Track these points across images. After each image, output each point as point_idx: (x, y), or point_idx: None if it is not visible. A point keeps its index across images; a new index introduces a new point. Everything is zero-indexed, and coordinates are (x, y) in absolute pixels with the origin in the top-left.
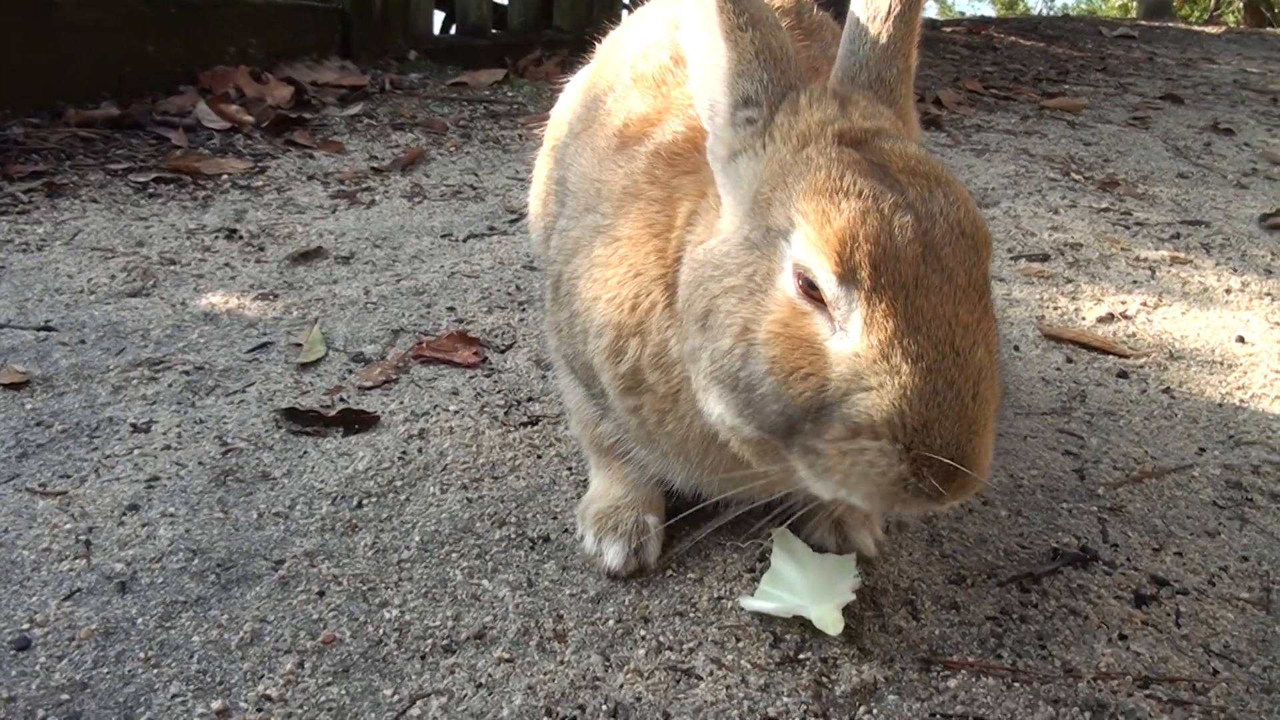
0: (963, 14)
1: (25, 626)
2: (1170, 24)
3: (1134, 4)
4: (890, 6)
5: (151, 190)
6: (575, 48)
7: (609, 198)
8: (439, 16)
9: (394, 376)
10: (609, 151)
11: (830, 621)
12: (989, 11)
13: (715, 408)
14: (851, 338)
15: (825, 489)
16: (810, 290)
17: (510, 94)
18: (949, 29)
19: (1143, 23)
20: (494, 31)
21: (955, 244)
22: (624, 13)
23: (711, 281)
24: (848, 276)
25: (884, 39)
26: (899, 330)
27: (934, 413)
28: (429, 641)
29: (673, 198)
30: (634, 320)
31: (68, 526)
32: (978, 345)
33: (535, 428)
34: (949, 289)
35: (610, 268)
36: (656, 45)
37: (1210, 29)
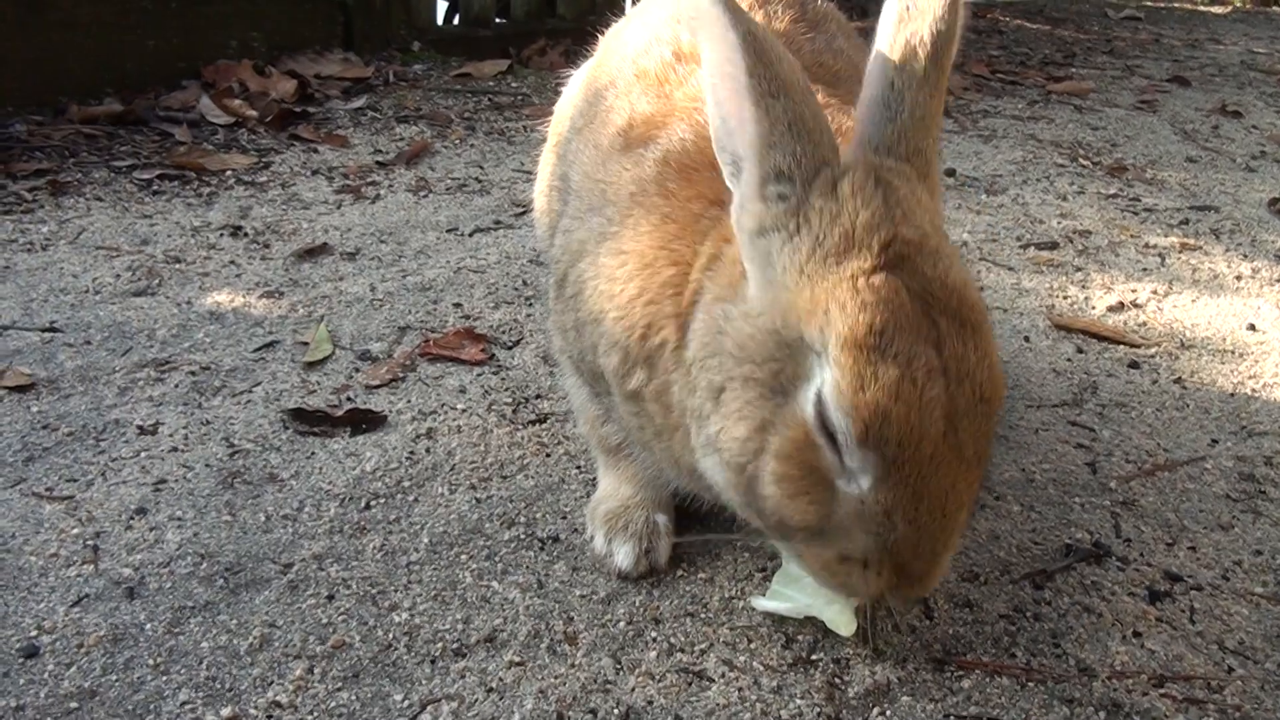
0: None
1: (33, 633)
2: (1176, 4)
3: None
4: (925, 73)
5: (156, 187)
6: (579, 37)
7: (615, 201)
8: (441, 6)
9: (401, 375)
10: (613, 151)
11: (842, 622)
12: None
13: (714, 475)
14: (861, 486)
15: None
16: (827, 427)
17: (515, 85)
18: None
19: (1149, 4)
20: (498, 21)
21: (973, 414)
22: (627, 2)
23: (731, 360)
24: (869, 445)
25: (920, 107)
26: (904, 498)
27: (913, 558)
28: (439, 645)
29: (693, 227)
30: (643, 352)
31: (75, 531)
32: (963, 508)
33: (543, 425)
34: (957, 464)
35: (618, 283)
36: (659, 40)
37: (1216, 9)
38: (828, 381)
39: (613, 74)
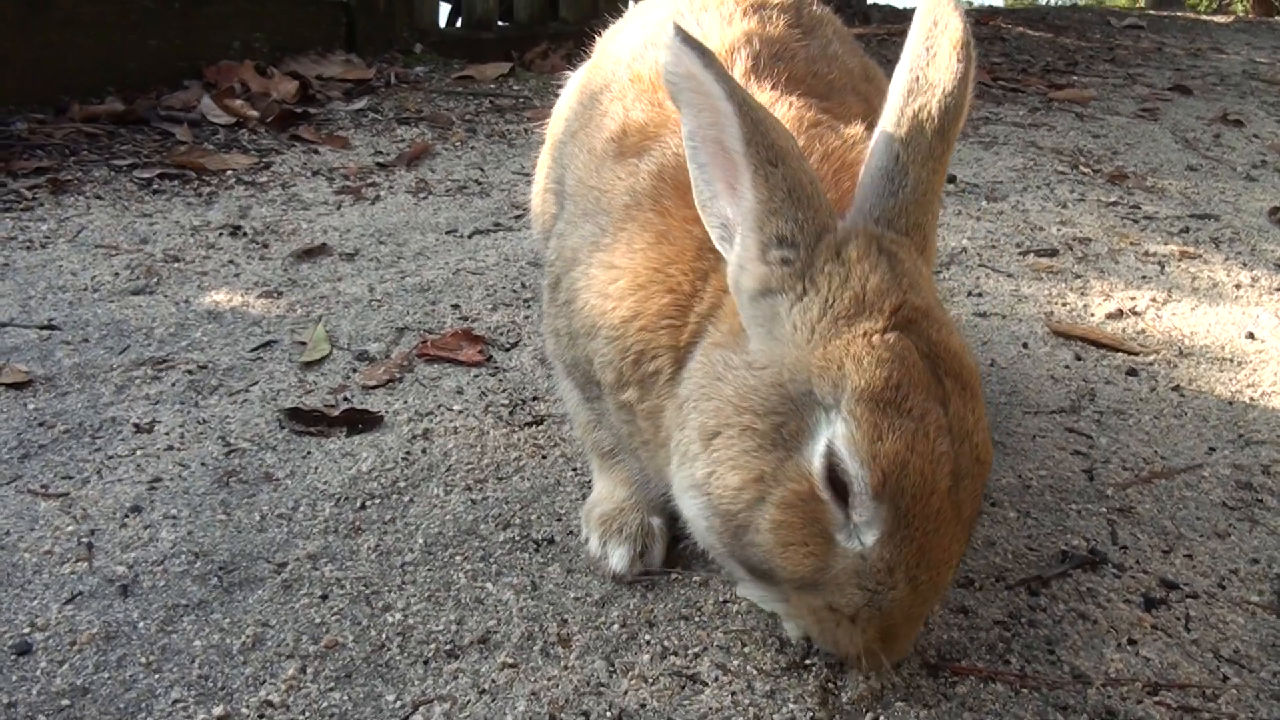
0: (970, 3)
1: (26, 630)
2: (1179, 13)
3: None
4: (931, 148)
5: (156, 186)
6: (581, 40)
7: (608, 210)
8: (444, 9)
9: (398, 375)
10: (606, 157)
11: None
12: (998, 2)
13: (694, 516)
14: (863, 541)
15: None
16: (834, 480)
17: (516, 87)
18: None
19: (1151, 12)
20: (500, 24)
21: (972, 475)
22: (631, 3)
23: (730, 407)
24: (884, 497)
25: (923, 183)
26: (909, 555)
27: (902, 620)
28: (432, 646)
29: (693, 254)
30: (636, 375)
31: (69, 529)
32: (953, 569)
33: (540, 427)
34: (956, 526)
35: (610, 300)
36: (654, 44)
37: (1219, 18)
38: (840, 434)
39: (608, 77)
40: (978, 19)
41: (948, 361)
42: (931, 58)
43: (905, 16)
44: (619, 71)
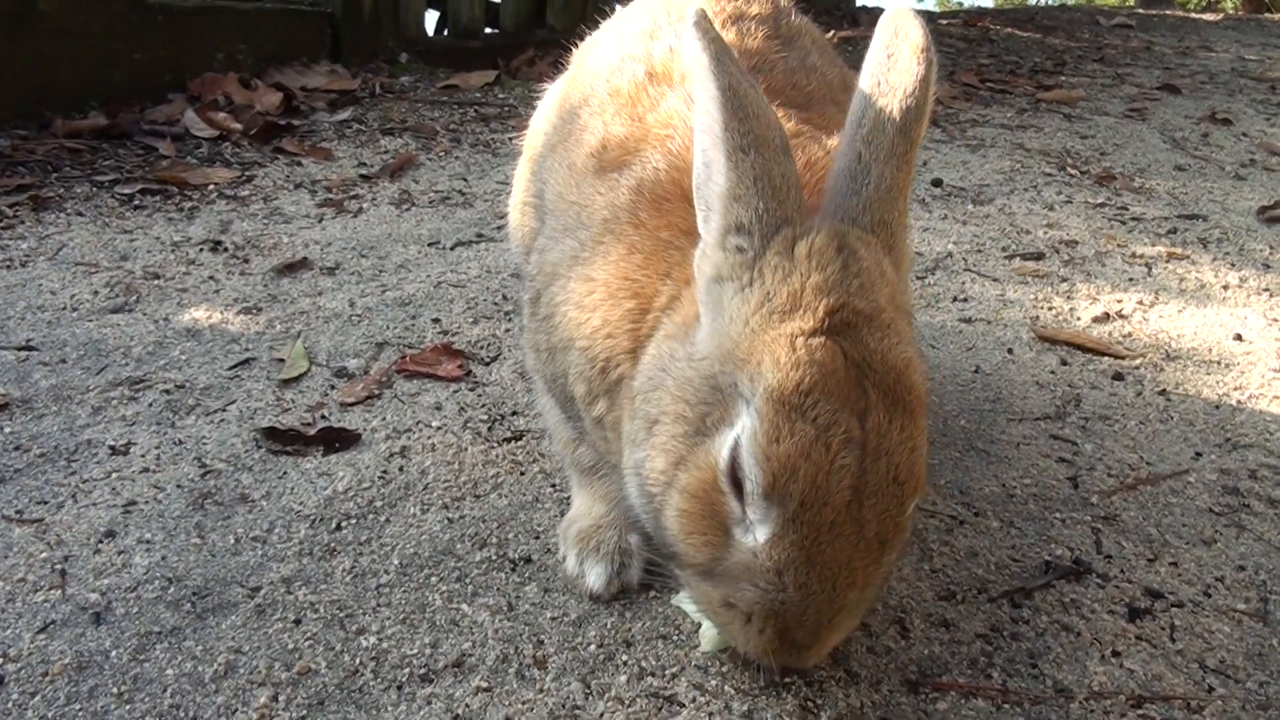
0: (960, 4)
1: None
2: (1168, 11)
3: None
4: (894, 146)
5: (137, 202)
6: (568, 48)
7: (588, 225)
8: (432, 17)
9: (376, 392)
10: (586, 173)
11: (709, 637)
12: (987, 2)
13: (633, 499)
14: (756, 539)
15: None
16: (735, 475)
17: (501, 96)
18: (945, 22)
19: (1140, 10)
20: (487, 32)
21: (883, 494)
22: (617, 7)
23: (669, 396)
24: (773, 498)
25: (887, 180)
26: (798, 561)
27: (797, 625)
28: (406, 670)
29: (658, 257)
30: (603, 385)
31: (43, 555)
32: (854, 587)
33: (519, 443)
34: (855, 539)
35: (585, 311)
36: (631, 58)
37: (1208, 16)
38: (746, 429)
39: (586, 91)
40: (965, 20)
41: (881, 373)
42: (893, 63)
43: None
44: (597, 85)
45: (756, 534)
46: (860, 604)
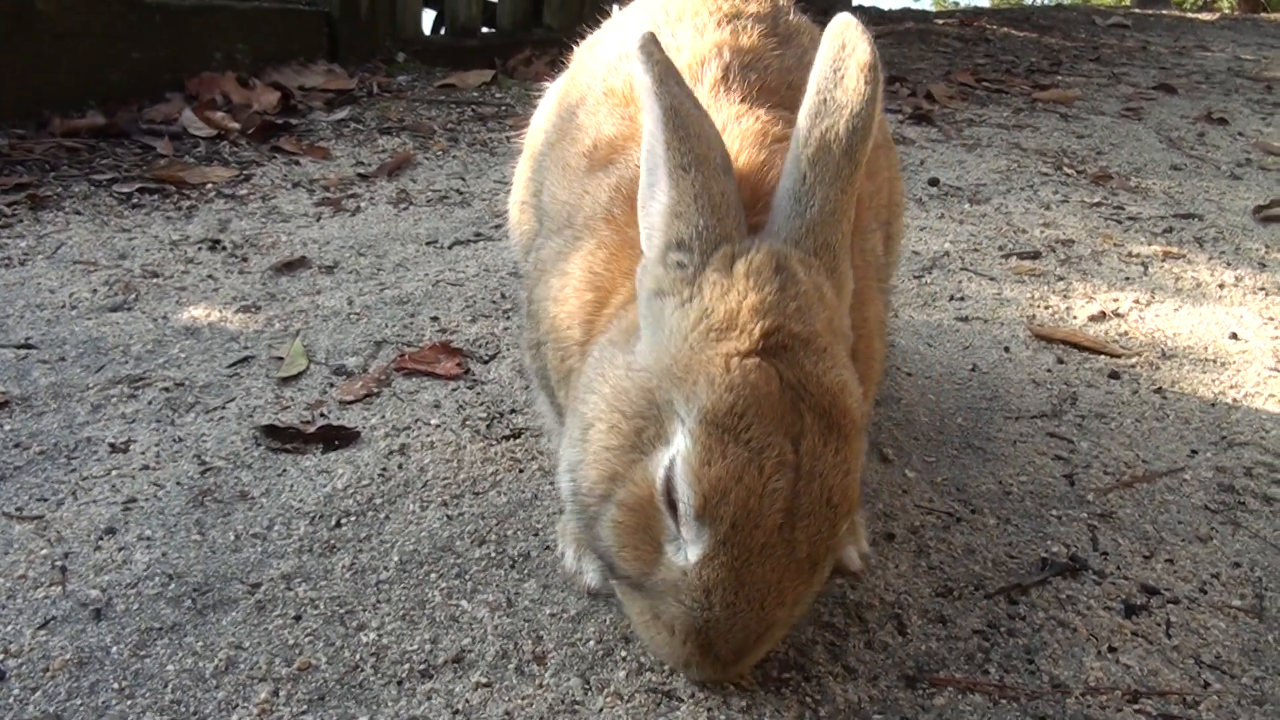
0: (956, 4)
1: (0, 657)
2: (1164, 11)
3: None
4: (839, 168)
5: (135, 201)
6: (565, 47)
7: (573, 224)
8: (429, 16)
9: (375, 390)
10: (578, 172)
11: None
12: (984, 2)
13: (565, 498)
14: (687, 557)
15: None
16: (671, 497)
17: (498, 95)
18: (941, 22)
19: (1136, 10)
20: (484, 31)
21: (815, 515)
22: (615, 7)
23: (605, 405)
24: (705, 520)
25: (830, 202)
26: (726, 582)
27: (722, 642)
28: (406, 666)
29: (621, 253)
30: (563, 375)
31: (44, 552)
32: (782, 606)
33: (517, 441)
34: (787, 561)
35: (557, 304)
36: (628, 57)
37: (1204, 15)
38: (680, 450)
39: (584, 90)
40: (962, 20)
41: (816, 396)
42: (839, 80)
43: (891, 17)
44: (594, 85)
45: (688, 553)
46: (788, 621)
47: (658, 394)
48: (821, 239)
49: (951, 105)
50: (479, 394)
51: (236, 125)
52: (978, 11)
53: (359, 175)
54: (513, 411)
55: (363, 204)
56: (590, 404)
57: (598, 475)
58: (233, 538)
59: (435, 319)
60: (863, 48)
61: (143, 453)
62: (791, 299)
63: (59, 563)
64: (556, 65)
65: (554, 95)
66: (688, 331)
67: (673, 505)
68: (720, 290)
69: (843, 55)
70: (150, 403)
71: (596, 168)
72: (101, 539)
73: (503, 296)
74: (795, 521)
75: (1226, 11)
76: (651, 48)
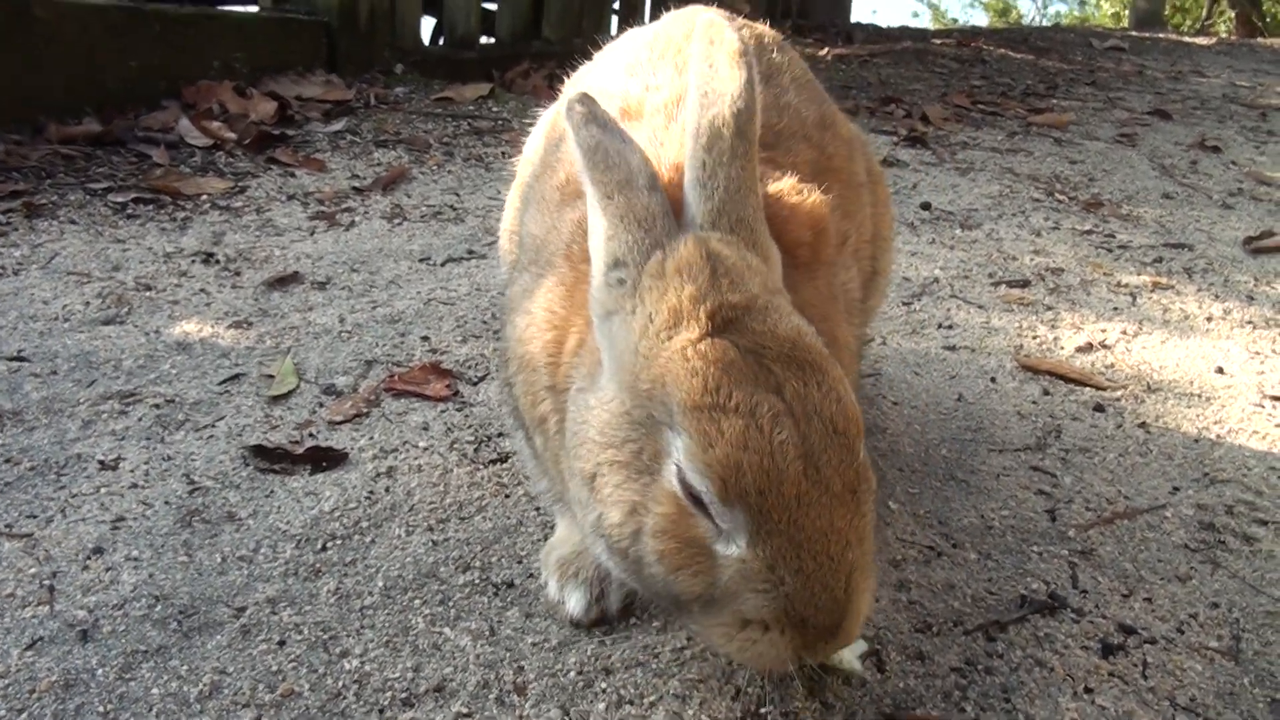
0: (955, 21)
1: None
2: (1161, 35)
3: (1126, 12)
4: (734, 148)
5: (130, 211)
6: (563, 60)
7: (539, 261)
8: (428, 23)
9: (365, 410)
10: (550, 206)
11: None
12: (982, 17)
13: (606, 562)
14: (738, 545)
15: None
16: (694, 496)
17: (495, 109)
18: (939, 41)
19: (1133, 33)
20: (482, 42)
21: (831, 448)
22: (614, 19)
23: (596, 446)
24: (733, 500)
25: (734, 180)
26: (781, 547)
27: (812, 610)
28: (388, 694)
29: (576, 289)
30: (534, 419)
31: (32, 571)
32: (850, 546)
33: (504, 465)
34: (826, 499)
35: (521, 344)
36: (608, 93)
37: (1201, 40)
38: (680, 450)
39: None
40: (959, 40)
41: (774, 349)
42: (714, 72)
43: (889, 35)
44: None
45: (736, 541)
46: (865, 559)
47: (635, 413)
48: (734, 215)
49: (946, 127)
50: (467, 416)
51: (233, 135)
52: (975, 31)
53: (354, 189)
54: (500, 435)
55: (357, 218)
56: (583, 456)
57: (620, 515)
58: (219, 560)
59: (426, 338)
60: (730, 37)
61: (132, 471)
62: (723, 276)
63: (47, 582)
64: (554, 79)
65: (544, 125)
66: (637, 342)
67: (699, 503)
68: (658, 293)
69: (713, 49)
70: (140, 419)
71: (566, 202)
72: (89, 558)
73: (493, 317)
74: (815, 462)
75: (1223, 36)
76: (574, 103)
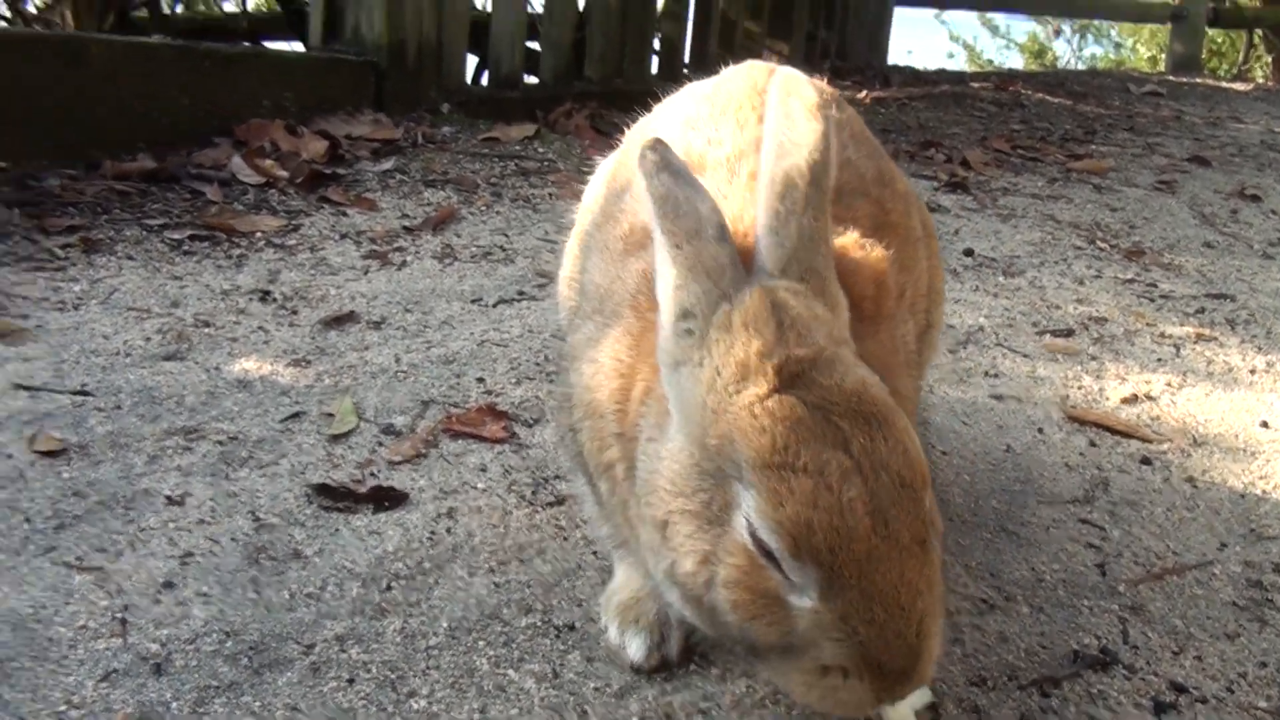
0: (990, 62)
1: (62, 708)
2: (1198, 80)
3: (1162, 56)
4: (809, 198)
5: (186, 247)
6: (605, 100)
7: (603, 309)
8: (471, 62)
9: (423, 451)
10: (614, 256)
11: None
12: (1018, 58)
13: (680, 608)
14: (810, 598)
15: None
16: (765, 550)
17: (541, 150)
18: (977, 84)
19: (1170, 78)
20: (526, 82)
21: (899, 502)
22: (653, 60)
23: (667, 495)
24: (803, 556)
25: (807, 229)
26: (854, 600)
27: (887, 656)
28: None
29: (645, 340)
30: (601, 464)
31: (104, 603)
32: (920, 595)
33: (561, 508)
34: (896, 554)
35: (589, 392)
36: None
37: (1238, 85)
38: (750, 506)
39: (631, 175)
40: (997, 84)
41: (841, 404)
42: (791, 123)
43: (925, 79)
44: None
45: (809, 594)
46: (934, 605)
47: (704, 464)
48: (805, 264)
49: (987, 173)
50: (524, 458)
51: (285, 173)
52: (1013, 75)
53: (404, 228)
54: (556, 477)
55: (408, 258)
56: (655, 504)
57: (693, 564)
58: (287, 596)
59: (481, 380)
60: (807, 91)
61: (198, 506)
62: (789, 329)
63: (119, 615)
64: (595, 119)
65: (604, 174)
66: (705, 395)
67: (770, 558)
68: (725, 346)
69: (790, 101)
70: (204, 456)
71: (630, 252)
72: (160, 592)
73: (546, 360)
74: (884, 517)
75: (1260, 81)
76: (647, 150)
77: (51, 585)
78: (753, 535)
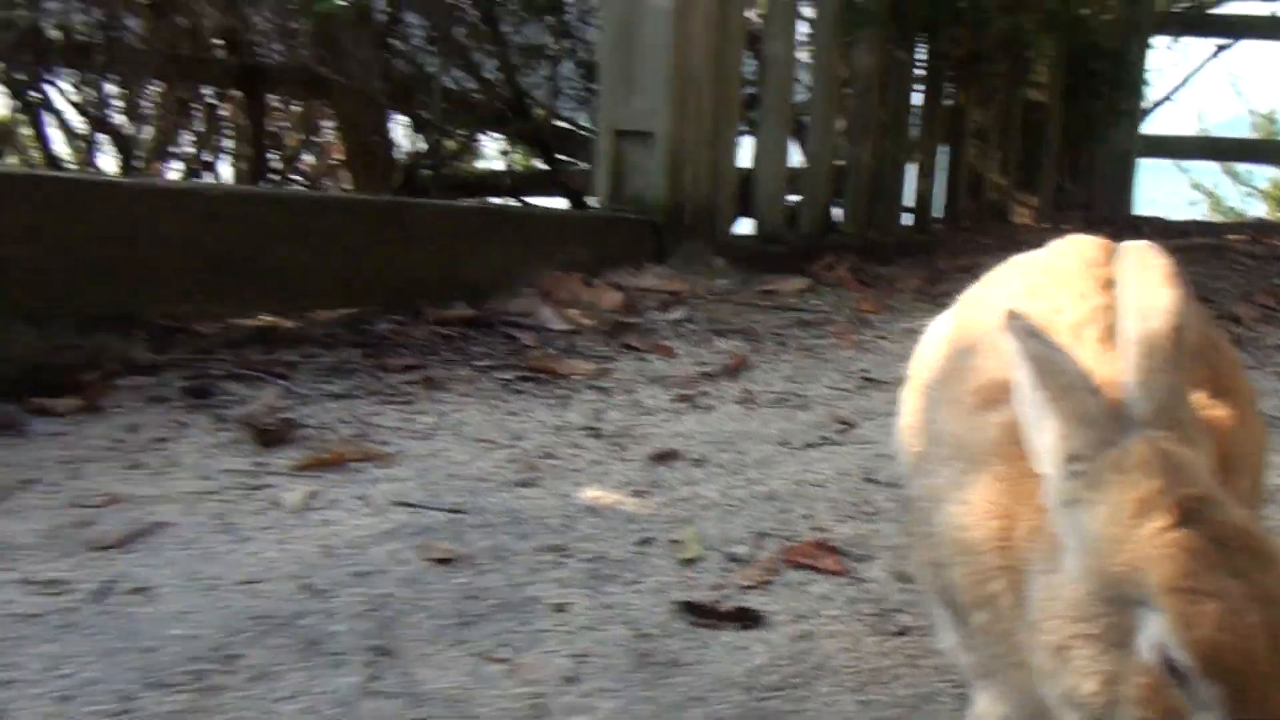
0: (1232, 210)
1: None
2: None
3: None
4: (1172, 357)
5: (515, 387)
6: (860, 252)
7: (965, 457)
8: (740, 223)
9: (768, 578)
10: (967, 410)
11: None
12: (1261, 206)
13: None
14: (1217, 714)
15: None
16: (1174, 670)
17: (815, 302)
18: (1232, 237)
19: None
20: (789, 233)
21: None
22: (901, 214)
23: (1065, 621)
24: (1212, 676)
25: (1171, 387)
26: (1255, 716)
27: None
28: None
29: (1019, 484)
30: (980, 596)
31: (517, 690)
32: None
33: (906, 638)
34: None
35: (963, 531)
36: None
37: None
38: (1161, 628)
39: (977, 336)
40: (1252, 236)
41: (1234, 539)
42: (1150, 291)
43: (1177, 230)
44: (983, 336)
45: (1213, 711)
46: None
47: (1105, 590)
48: (1173, 416)
49: (1258, 329)
50: (862, 590)
51: (590, 322)
52: (1266, 226)
53: (703, 374)
54: (896, 610)
55: (713, 402)
56: (1053, 629)
57: (1097, 685)
58: (679, 698)
59: (807, 516)
60: (1158, 261)
61: (580, 614)
62: (1177, 470)
63: (533, 702)
64: (858, 271)
65: (941, 333)
66: (1104, 528)
67: (1178, 676)
68: (1121, 486)
69: (1146, 273)
70: (576, 571)
71: (984, 407)
72: (565, 685)
73: (865, 501)
74: (1278, 644)
75: None
76: (1012, 320)
77: (469, 672)
78: (1162, 658)
